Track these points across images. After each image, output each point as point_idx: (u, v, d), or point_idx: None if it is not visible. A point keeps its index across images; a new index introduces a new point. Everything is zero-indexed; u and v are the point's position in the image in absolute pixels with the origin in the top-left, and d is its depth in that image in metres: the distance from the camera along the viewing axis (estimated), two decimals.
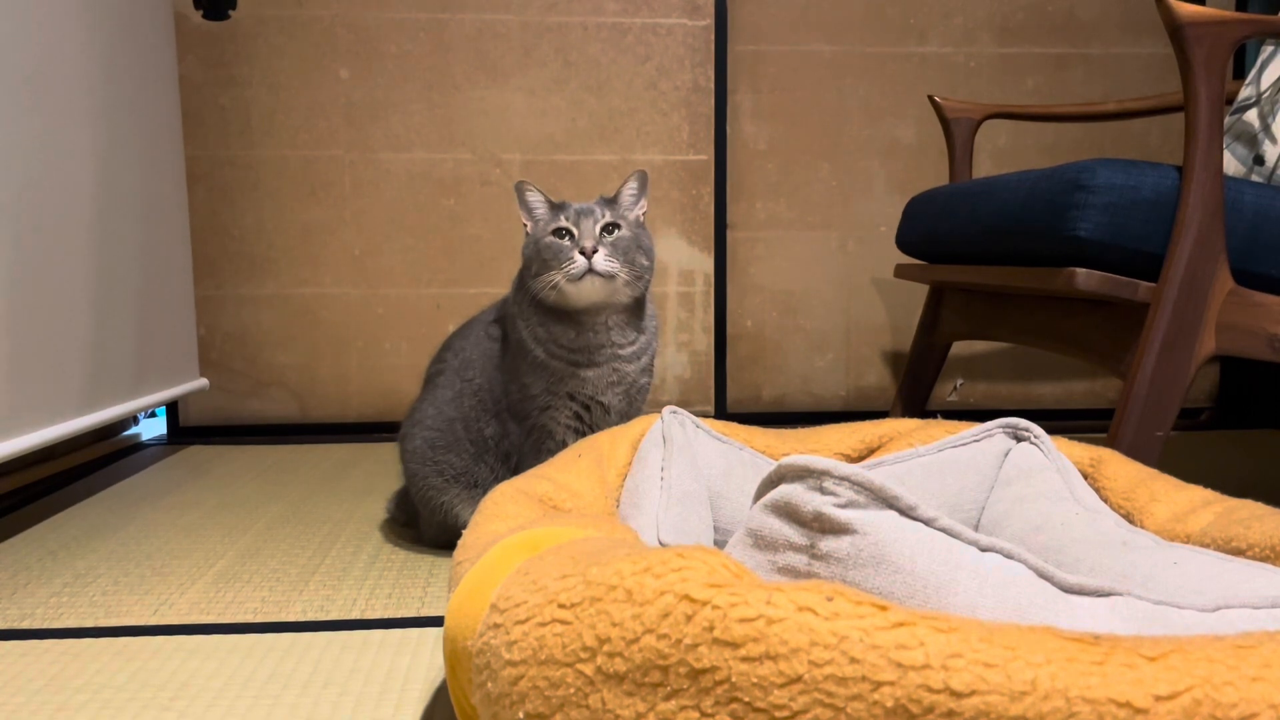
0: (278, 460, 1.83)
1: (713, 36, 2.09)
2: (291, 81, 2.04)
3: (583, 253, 1.10)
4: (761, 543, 0.57)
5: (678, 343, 2.17)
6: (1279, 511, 0.71)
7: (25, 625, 0.99)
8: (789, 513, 0.56)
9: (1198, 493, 0.79)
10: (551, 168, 2.10)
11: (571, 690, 0.46)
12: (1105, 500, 0.84)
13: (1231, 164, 1.41)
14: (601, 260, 1.10)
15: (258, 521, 1.39)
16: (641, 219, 1.19)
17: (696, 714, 0.43)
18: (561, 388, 1.15)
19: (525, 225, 1.19)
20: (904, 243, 1.72)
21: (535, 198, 1.17)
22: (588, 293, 1.11)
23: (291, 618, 1.00)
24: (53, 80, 1.40)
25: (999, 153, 2.19)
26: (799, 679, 0.41)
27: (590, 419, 1.18)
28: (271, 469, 1.75)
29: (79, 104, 1.48)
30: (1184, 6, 1.10)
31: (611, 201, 1.16)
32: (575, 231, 1.11)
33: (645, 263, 1.15)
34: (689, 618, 0.44)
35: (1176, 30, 1.10)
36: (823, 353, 2.22)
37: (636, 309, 1.19)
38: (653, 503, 0.79)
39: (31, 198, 1.33)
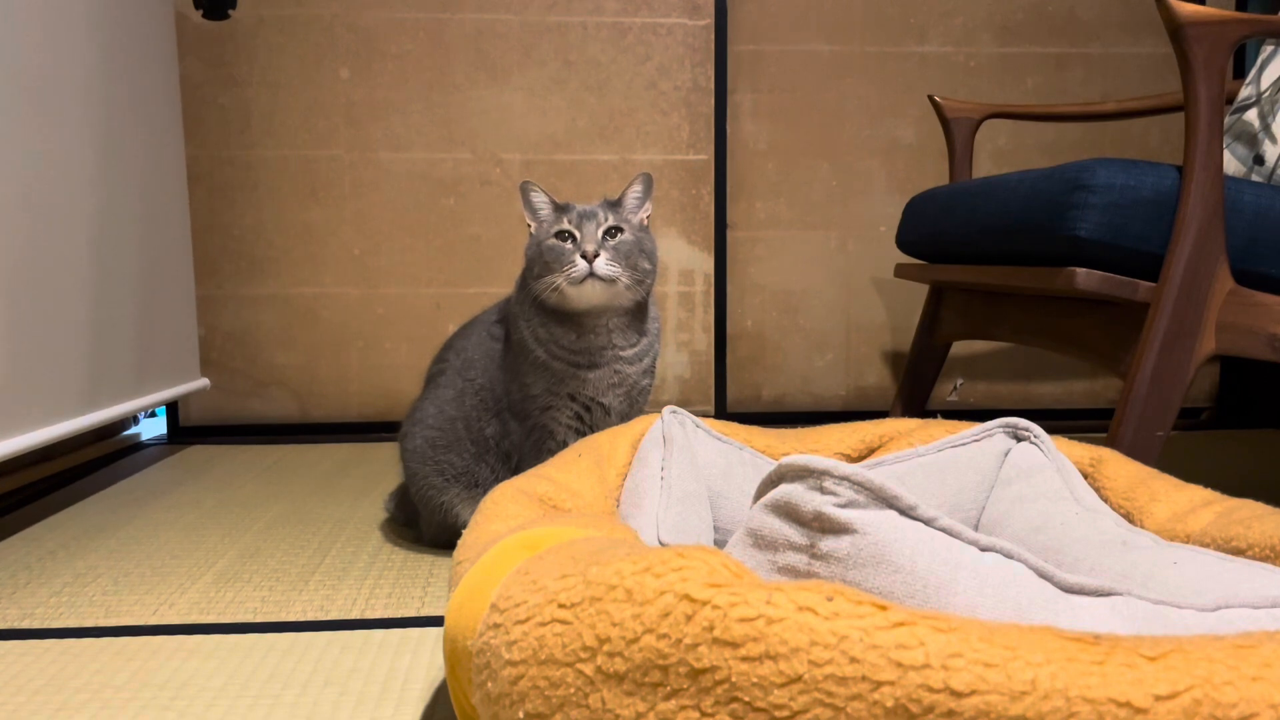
0: (278, 460, 1.83)
1: (713, 36, 2.09)
2: (291, 81, 2.04)
3: (584, 256, 1.09)
4: (761, 542, 0.57)
5: (678, 342, 2.17)
6: (1279, 511, 0.71)
7: (25, 625, 0.99)
8: (789, 512, 0.56)
9: (1198, 492, 0.79)
10: (551, 167, 2.10)
11: (571, 690, 0.46)
12: (1105, 500, 0.84)
13: (1231, 164, 1.41)
14: (603, 264, 1.10)
15: (258, 521, 1.39)
16: (645, 222, 1.19)
17: (696, 714, 0.43)
18: (562, 388, 1.15)
19: (529, 225, 1.19)
20: (904, 243, 1.72)
21: (540, 199, 1.17)
22: (589, 296, 1.11)
23: (291, 618, 1.00)
24: (54, 80, 1.40)
25: (999, 153, 2.19)
26: (799, 679, 0.41)
27: (591, 419, 1.18)
28: (271, 469, 1.75)
29: (80, 104, 1.48)
30: (1184, 6, 1.10)
31: (615, 204, 1.16)
32: (578, 234, 1.11)
33: (648, 267, 1.15)
34: (689, 617, 0.44)
35: (1176, 30, 1.10)
36: (823, 353, 2.22)
37: (639, 311, 1.19)
38: (653, 502, 0.79)
39: (32, 197, 1.33)
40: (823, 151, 2.17)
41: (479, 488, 1.19)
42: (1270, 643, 0.40)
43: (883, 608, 0.42)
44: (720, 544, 0.88)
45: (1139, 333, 1.14)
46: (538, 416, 1.17)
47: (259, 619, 1.00)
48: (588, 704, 0.45)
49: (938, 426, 0.99)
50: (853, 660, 0.41)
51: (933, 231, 1.59)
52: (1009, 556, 0.56)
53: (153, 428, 2.20)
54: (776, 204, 2.17)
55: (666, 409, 0.96)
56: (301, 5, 2.02)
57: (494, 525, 0.69)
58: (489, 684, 0.50)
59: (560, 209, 1.15)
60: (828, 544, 0.55)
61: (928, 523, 0.56)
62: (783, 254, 2.19)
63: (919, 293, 1.98)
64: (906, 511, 0.56)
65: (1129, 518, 0.81)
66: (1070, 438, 0.95)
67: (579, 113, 2.10)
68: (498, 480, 0.98)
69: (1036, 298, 1.40)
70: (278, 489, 1.59)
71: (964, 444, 0.94)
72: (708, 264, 2.15)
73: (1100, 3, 2.18)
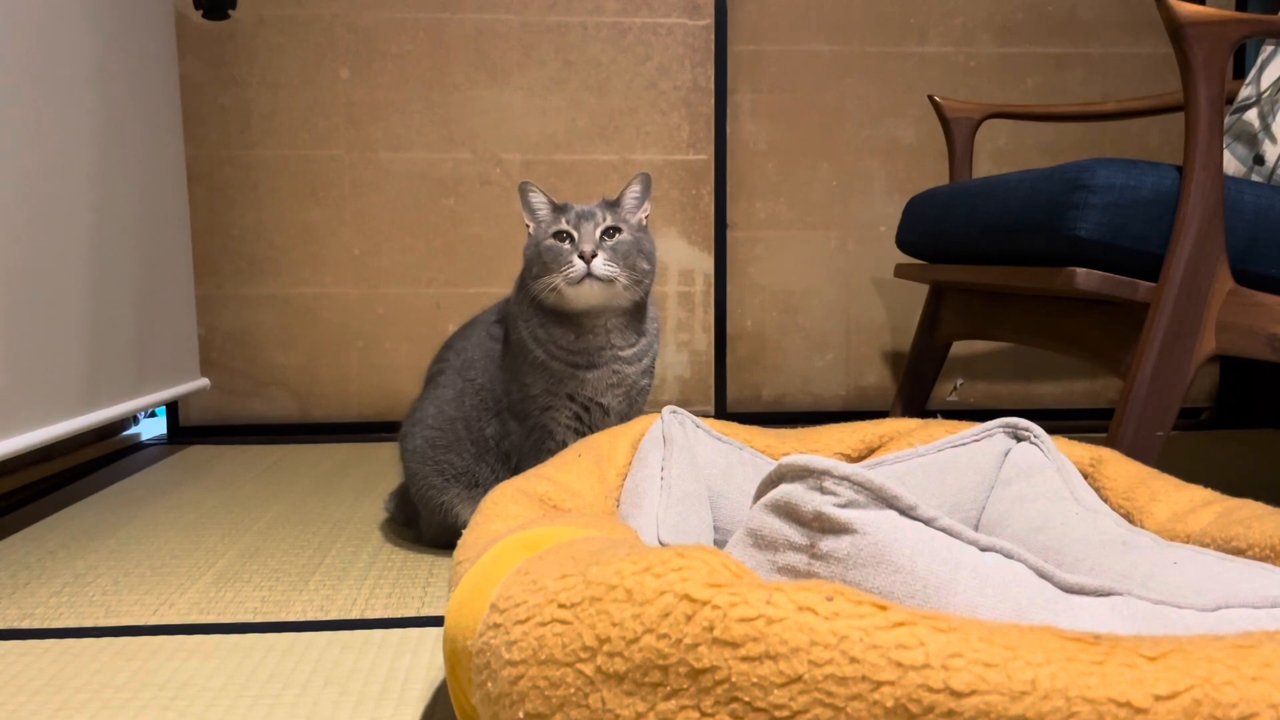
0: (278, 460, 1.83)
1: (713, 36, 2.09)
2: (291, 81, 2.04)
3: (582, 257, 1.09)
4: (761, 542, 0.57)
5: (678, 343, 2.17)
6: (1279, 511, 0.71)
7: (25, 625, 0.99)
8: (789, 512, 0.56)
9: (1198, 492, 0.79)
10: (551, 167, 2.10)
11: (571, 690, 0.46)
12: (1105, 500, 0.84)
13: (1231, 164, 1.41)
14: (600, 265, 1.10)
15: (258, 521, 1.39)
16: (644, 222, 1.19)
17: (696, 714, 0.43)
18: (561, 389, 1.15)
19: (528, 226, 1.19)
20: (904, 243, 1.72)
21: (538, 199, 1.17)
22: (586, 296, 1.11)
23: (291, 618, 1.00)
24: (54, 80, 1.40)
25: (999, 153, 2.19)
26: (799, 679, 0.41)
27: (590, 420, 1.18)
28: (271, 469, 1.75)
29: (80, 104, 1.48)
30: (1184, 6, 1.10)
31: (614, 204, 1.16)
32: (575, 235, 1.11)
33: (646, 267, 1.15)
34: (689, 617, 0.44)
35: (1176, 30, 1.10)
36: (823, 353, 2.22)
37: (638, 312, 1.19)
38: (653, 502, 0.79)
39: (31, 196, 1.33)
40: (823, 151, 2.17)
41: (479, 488, 1.19)
42: (1270, 643, 0.40)
43: (883, 608, 0.42)
44: (720, 544, 0.88)
45: (1139, 333, 1.14)
46: (537, 416, 1.17)
47: (259, 619, 1.00)
48: (588, 704, 0.45)
49: (938, 426, 0.99)
50: (853, 660, 0.41)
51: (933, 231, 1.59)
52: (1009, 556, 0.56)
53: (153, 428, 2.20)
54: (776, 204, 2.17)
55: (666, 409, 0.96)
56: (301, 5, 2.02)
57: (494, 525, 0.69)
58: (489, 684, 0.50)
59: (558, 209, 1.15)
60: (828, 544, 0.55)
61: (928, 523, 0.56)
62: (783, 254, 2.19)
63: (919, 293, 1.98)
64: (906, 511, 0.56)
65: (1129, 518, 0.81)
66: (1070, 438, 0.95)
67: (579, 113, 2.10)
68: (497, 480, 0.98)
69: (1036, 298, 1.40)
70: (278, 489, 1.59)
71: (964, 444, 0.94)
72: (708, 264, 2.15)
73: (1100, 3, 2.18)
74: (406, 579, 1.13)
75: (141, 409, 1.69)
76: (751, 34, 2.12)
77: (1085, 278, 1.15)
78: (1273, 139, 1.37)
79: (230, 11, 2.01)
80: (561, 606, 0.48)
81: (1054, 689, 0.38)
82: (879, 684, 0.40)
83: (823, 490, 0.55)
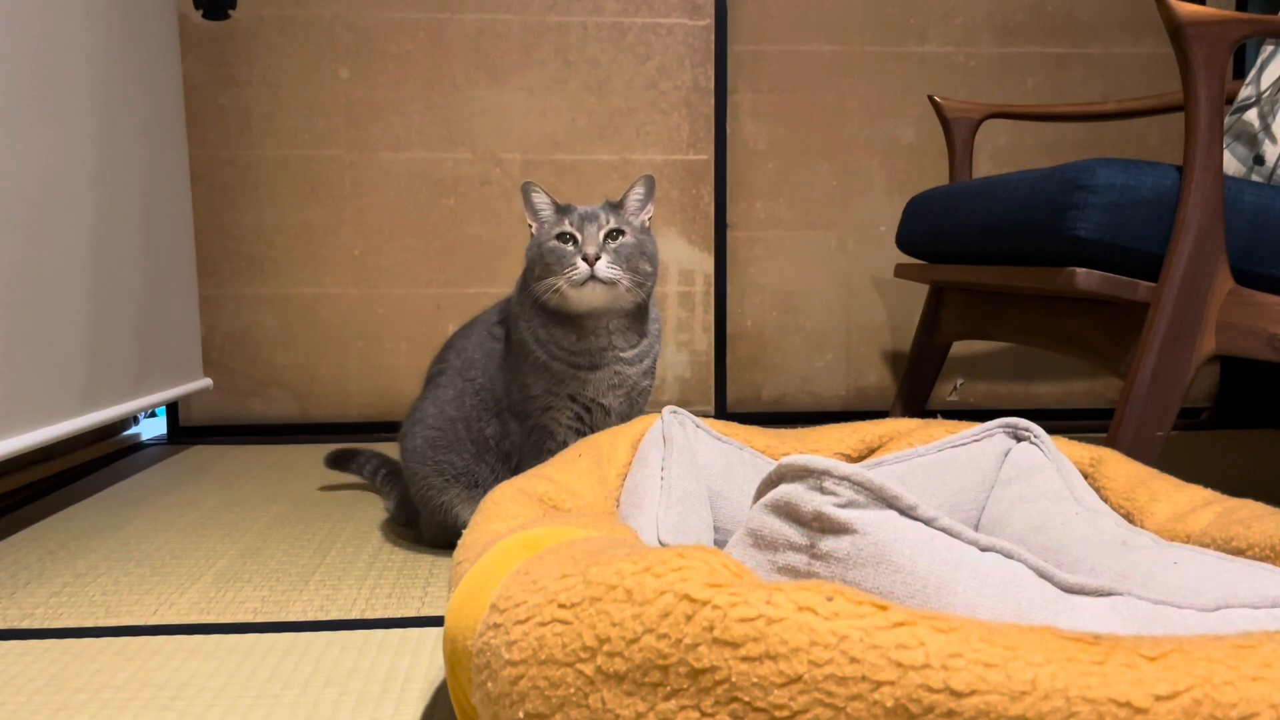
0: (278, 460, 1.83)
1: (713, 36, 2.09)
2: (291, 81, 2.04)
3: (585, 259, 1.09)
4: (761, 542, 0.57)
5: (678, 343, 2.17)
6: (1279, 511, 0.71)
7: (25, 625, 0.99)
8: (789, 512, 0.56)
9: (1198, 492, 0.79)
10: (551, 167, 2.10)
11: (571, 690, 0.46)
12: (1105, 500, 0.84)
13: (1231, 164, 1.41)
14: (604, 267, 1.10)
15: (258, 521, 1.39)
16: (647, 224, 1.19)
17: (696, 714, 0.43)
18: (562, 389, 1.15)
19: (530, 226, 1.19)
20: (904, 242, 1.72)
21: (541, 200, 1.17)
22: (589, 298, 1.11)
23: (291, 618, 1.00)
24: (57, 80, 1.40)
25: (999, 153, 2.19)
26: (799, 679, 0.41)
27: (591, 420, 1.18)
28: (271, 469, 1.75)
29: (83, 103, 1.48)
30: (1184, 6, 1.10)
31: (617, 206, 1.16)
32: (579, 237, 1.11)
33: (649, 269, 1.15)
34: (689, 617, 0.44)
35: (1176, 30, 1.10)
36: (823, 353, 2.22)
37: (639, 313, 1.19)
38: (653, 502, 0.79)
39: (34, 196, 1.33)
40: (823, 151, 2.17)
41: (479, 488, 1.19)
42: (1270, 643, 0.40)
43: (883, 608, 0.42)
44: (720, 544, 0.88)
45: (1139, 333, 1.14)
46: (538, 417, 1.17)
47: (259, 619, 1.00)
48: (588, 704, 0.45)
49: (938, 426, 0.99)
50: (853, 660, 0.41)
51: (933, 231, 1.59)
52: (1009, 556, 0.56)
53: (153, 428, 2.20)
54: (776, 204, 2.17)
55: (666, 409, 0.96)
56: (301, 5, 2.02)
57: (494, 525, 0.69)
58: (489, 684, 0.50)
59: (562, 210, 1.15)
60: (828, 544, 0.55)
61: (928, 523, 0.56)
62: (783, 254, 2.19)
63: (919, 293, 1.98)
64: (906, 511, 0.56)
65: (1129, 518, 0.81)
66: (1070, 438, 0.95)
67: (579, 113, 2.10)
68: (497, 480, 0.98)
69: (1037, 298, 1.40)
70: (278, 489, 1.59)
71: (964, 444, 0.94)
72: (708, 264, 2.15)
73: (1100, 3, 2.18)
74: (406, 579, 1.13)
75: (144, 409, 1.69)
76: (751, 34, 2.12)
77: (1085, 278, 1.15)
78: (1273, 139, 1.37)
79: (230, 11, 2.01)
80: (561, 606, 0.48)
81: (1054, 689, 0.38)
82: (879, 684, 0.40)
83: (823, 490, 0.55)
